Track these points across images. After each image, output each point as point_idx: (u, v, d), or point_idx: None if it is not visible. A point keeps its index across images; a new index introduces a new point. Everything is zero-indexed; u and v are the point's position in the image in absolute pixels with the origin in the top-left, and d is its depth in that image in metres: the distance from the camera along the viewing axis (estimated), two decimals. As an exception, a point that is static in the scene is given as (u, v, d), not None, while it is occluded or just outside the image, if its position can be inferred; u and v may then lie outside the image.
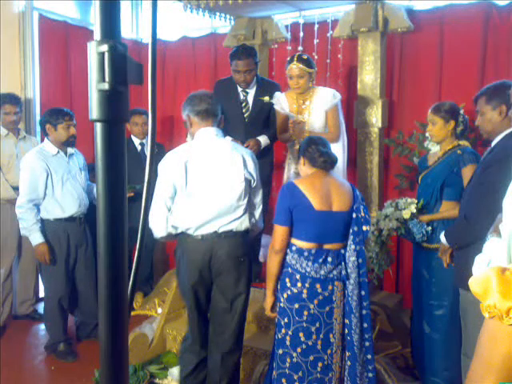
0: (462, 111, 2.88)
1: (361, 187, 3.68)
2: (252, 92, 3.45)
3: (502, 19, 3.46)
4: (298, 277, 2.39)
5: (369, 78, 3.63)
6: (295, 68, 3.15)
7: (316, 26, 3.89)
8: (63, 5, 4.67)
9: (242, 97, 3.46)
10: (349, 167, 3.48)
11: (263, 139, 3.40)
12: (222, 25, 4.49)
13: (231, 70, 3.41)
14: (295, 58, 3.16)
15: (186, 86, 4.84)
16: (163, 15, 5.10)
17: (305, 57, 3.19)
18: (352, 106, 3.84)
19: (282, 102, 3.32)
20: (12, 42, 4.22)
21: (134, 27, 5.28)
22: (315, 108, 3.24)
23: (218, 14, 3.98)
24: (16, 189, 3.65)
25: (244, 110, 3.45)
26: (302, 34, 3.98)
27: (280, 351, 2.44)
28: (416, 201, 2.93)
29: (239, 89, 3.44)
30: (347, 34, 3.67)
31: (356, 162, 3.78)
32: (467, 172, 2.68)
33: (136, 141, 4.19)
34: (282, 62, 4.13)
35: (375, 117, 3.64)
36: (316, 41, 3.89)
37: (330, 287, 2.40)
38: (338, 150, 3.19)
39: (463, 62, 3.59)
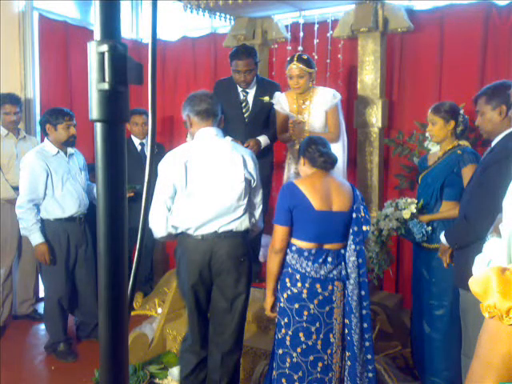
0: (461, 111, 2.87)
1: (361, 187, 3.68)
2: (252, 92, 3.45)
3: (501, 19, 3.46)
4: (297, 277, 2.39)
5: (369, 78, 3.63)
6: (295, 68, 3.14)
7: (316, 26, 3.89)
8: (63, 5, 4.67)
9: (242, 97, 3.45)
10: (349, 167, 3.48)
11: (263, 139, 3.40)
12: (222, 25, 4.49)
13: (231, 70, 3.41)
14: (295, 58, 3.15)
15: (185, 86, 4.85)
16: (163, 15, 5.11)
17: (305, 57, 3.19)
18: (352, 105, 3.84)
19: (281, 102, 3.32)
20: (12, 42, 4.22)
21: (134, 27, 5.28)
22: (315, 108, 3.24)
23: (217, 14, 3.99)
24: (16, 189, 3.65)
25: (244, 110, 3.45)
26: (302, 33, 3.98)
27: (280, 351, 2.44)
28: (416, 201, 2.93)
29: (239, 89, 3.44)
30: (347, 34, 3.67)
31: (356, 161, 3.78)
32: (467, 172, 2.68)
33: (136, 141, 4.19)
34: (282, 62, 4.12)
35: (375, 117, 3.64)
36: (316, 41, 3.89)
37: (329, 287, 2.40)
38: (338, 150, 3.19)
39: (463, 62, 3.59)
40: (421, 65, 3.78)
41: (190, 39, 4.86)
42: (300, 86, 3.18)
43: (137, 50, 5.04)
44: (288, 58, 3.27)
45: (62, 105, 4.33)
